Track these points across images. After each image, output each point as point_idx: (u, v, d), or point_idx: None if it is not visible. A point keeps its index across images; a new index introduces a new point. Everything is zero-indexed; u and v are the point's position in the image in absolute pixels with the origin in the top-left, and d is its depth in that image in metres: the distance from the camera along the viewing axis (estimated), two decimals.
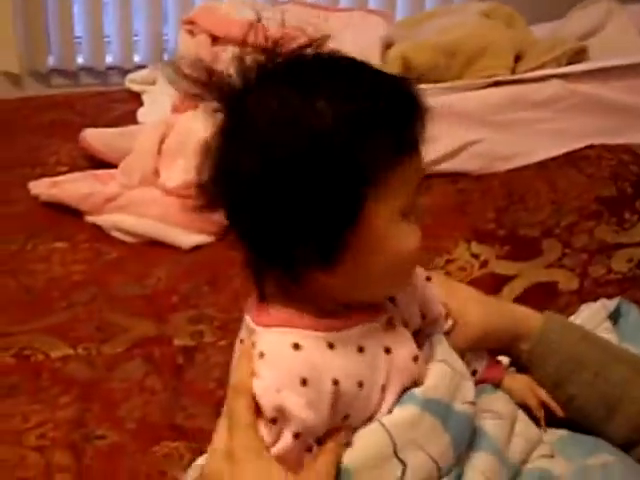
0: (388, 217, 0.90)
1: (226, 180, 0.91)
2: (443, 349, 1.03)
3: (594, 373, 1.14)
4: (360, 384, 0.94)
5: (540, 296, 1.68)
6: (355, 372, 0.94)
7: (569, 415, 1.16)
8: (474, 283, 1.68)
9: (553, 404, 1.14)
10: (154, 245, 2.00)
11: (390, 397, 0.97)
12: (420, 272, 1.08)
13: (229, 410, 0.93)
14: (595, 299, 1.43)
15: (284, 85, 0.90)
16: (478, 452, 1.01)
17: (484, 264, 1.74)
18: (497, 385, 1.14)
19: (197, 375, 1.53)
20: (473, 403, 1.01)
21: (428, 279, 1.09)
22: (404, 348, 0.98)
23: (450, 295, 1.14)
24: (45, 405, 1.45)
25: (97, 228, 2.06)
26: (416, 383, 0.98)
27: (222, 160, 0.91)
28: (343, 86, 0.90)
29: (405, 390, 0.98)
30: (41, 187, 2.15)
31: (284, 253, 0.90)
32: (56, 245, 1.99)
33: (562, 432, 1.15)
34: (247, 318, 0.98)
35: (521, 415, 1.12)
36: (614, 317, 1.37)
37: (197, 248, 1.97)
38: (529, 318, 1.19)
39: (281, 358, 0.91)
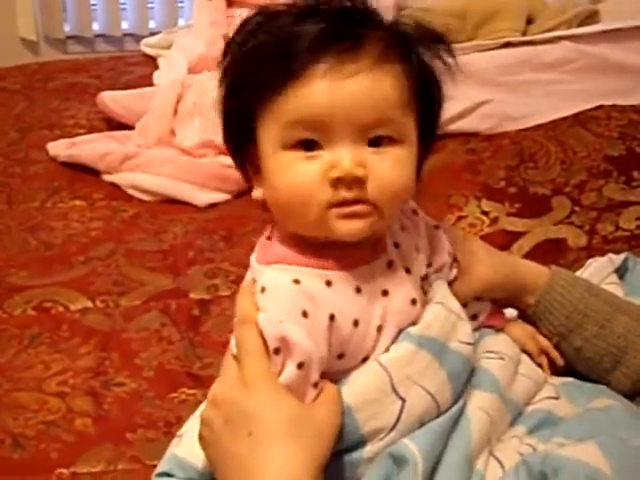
0: (269, 146, 0.94)
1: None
2: (441, 292, 1.04)
3: (599, 325, 1.16)
4: (355, 323, 0.96)
5: (549, 252, 1.69)
6: (351, 311, 0.95)
7: (575, 366, 1.18)
8: (484, 239, 1.64)
9: (554, 352, 1.17)
10: (170, 203, 2.04)
11: (386, 338, 0.98)
12: (428, 220, 1.10)
13: (237, 342, 0.95)
14: (603, 256, 1.44)
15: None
16: (479, 390, 1.03)
17: (494, 221, 1.76)
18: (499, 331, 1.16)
19: (212, 327, 1.57)
20: (470, 343, 1.02)
21: (436, 227, 1.11)
22: (402, 291, 1.00)
23: (460, 245, 1.15)
24: (65, 354, 1.48)
25: (114, 187, 2.10)
26: (414, 325, 1.00)
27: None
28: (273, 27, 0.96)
29: (401, 331, 0.99)
30: (59, 148, 2.19)
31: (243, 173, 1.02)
32: (74, 203, 2.03)
33: (567, 379, 1.17)
34: (252, 258, 1.01)
35: (525, 358, 1.14)
36: (621, 271, 1.39)
37: (213, 206, 2.01)
38: (536, 272, 1.20)
39: (282, 291, 0.94)
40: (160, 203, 2.04)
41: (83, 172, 2.14)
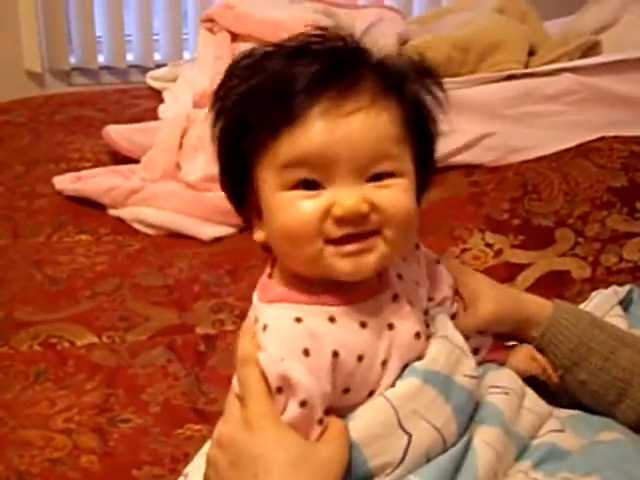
0: (268, 187, 0.95)
1: None
2: (444, 326, 1.05)
3: (604, 358, 1.16)
4: (360, 358, 0.96)
5: (553, 284, 1.70)
6: (355, 346, 0.96)
7: (580, 399, 1.18)
8: (488, 272, 1.69)
9: (550, 370, 1.16)
10: (175, 237, 2.04)
11: (391, 373, 0.99)
12: (429, 254, 1.11)
13: (240, 382, 0.95)
14: (607, 287, 1.45)
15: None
16: (485, 426, 1.03)
17: (498, 253, 1.77)
18: (502, 364, 1.16)
19: (218, 362, 1.57)
20: (474, 377, 1.03)
21: (437, 262, 1.12)
22: (407, 325, 1.00)
23: (464, 279, 1.17)
24: (71, 391, 1.48)
25: (119, 221, 2.10)
26: (418, 359, 1.01)
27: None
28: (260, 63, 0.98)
29: (407, 366, 1.00)
30: (65, 182, 2.19)
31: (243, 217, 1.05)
32: (80, 237, 2.04)
33: (573, 411, 1.17)
34: (254, 296, 1.02)
35: (529, 391, 1.13)
36: (625, 303, 1.39)
37: (217, 240, 2.01)
38: (539, 305, 1.21)
39: (283, 330, 0.94)
40: (165, 237, 2.04)
41: (89, 206, 2.14)
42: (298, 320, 0.94)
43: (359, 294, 0.98)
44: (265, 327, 0.95)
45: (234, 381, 0.98)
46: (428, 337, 1.03)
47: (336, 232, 0.93)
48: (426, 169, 1.04)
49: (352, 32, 0.99)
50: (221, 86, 1.00)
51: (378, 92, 0.95)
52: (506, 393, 1.09)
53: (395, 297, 1.01)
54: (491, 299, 1.16)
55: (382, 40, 1.99)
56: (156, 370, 1.54)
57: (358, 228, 0.93)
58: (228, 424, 0.96)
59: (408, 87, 0.99)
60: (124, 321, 1.69)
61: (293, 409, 0.92)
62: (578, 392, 1.19)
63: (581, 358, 1.17)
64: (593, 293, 1.43)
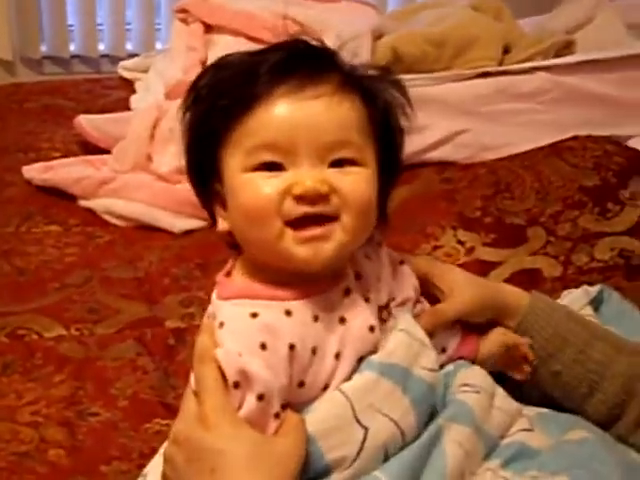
0: (232, 169, 0.97)
1: None
2: (405, 320, 1.06)
3: (578, 350, 1.17)
4: (314, 350, 0.97)
5: (524, 283, 1.69)
6: (309, 339, 0.97)
7: (552, 392, 1.19)
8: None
9: (524, 347, 1.17)
10: (146, 229, 2.03)
11: (345, 365, 0.99)
12: (393, 254, 1.12)
13: (197, 379, 0.96)
14: (578, 286, 1.44)
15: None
16: (456, 424, 1.03)
17: (470, 251, 1.77)
18: (473, 359, 1.16)
19: (188, 356, 1.54)
20: (434, 370, 1.03)
21: (401, 263, 1.12)
22: (359, 318, 1.01)
23: (439, 272, 1.18)
24: (39, 383, 1.47)
25: (90, 212, 2.09)
26: (374, 353, 1.01)
27: None
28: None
29: (362, 359, 1.01)
30: (34, 171, 2.17)
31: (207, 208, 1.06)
32: (49, 228, 2.02)
33: (542, 409, 1.18)
34: (212, 295, 1.03)
35: (499, 390, 1.14)
36: (595, 303, 1.39)
37: (188, 233, 2.00)
38: (516, 295, 1.22)
39: (240, 325, 0.95)
40: (135, 229, 2.03)
41: (58, 196, 2.12)
42: (254, 315, 0.95)
43: (313, 288, 0.99)
44: (222, 324, 0.96)
45: (191, 378, 0.98)
46: (384, 332, 1.04)
47: (295, 210, 0.94)
48: (390, 167, 1.05)
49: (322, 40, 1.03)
50: (194, 83, 1.02)
51: (342, 83, 0.98)
52: (477, 392, 1.09)
53: (347, 291, 1.02)
54: (467, 289, 1.17)
55: (356, 35, 1.99)
56: (125, 363, 1.53)
57: (316, 208, 0.94)
58: (184, 421, 0.96)
59: (372, 85, 1.02)
60: (93, 313, 1.67)
61: (250, 403, 0.92)
62: (550, 385, 1.19)
63: (556, 349, 1.18)
64: (564, 292, 1.44)
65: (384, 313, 1.06)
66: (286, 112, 0.95)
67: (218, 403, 0.92)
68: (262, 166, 0.95)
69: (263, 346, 0.93)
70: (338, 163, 0.96)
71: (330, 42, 1.03)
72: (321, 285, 1.00)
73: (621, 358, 1.17)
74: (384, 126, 1.03)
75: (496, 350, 1.17)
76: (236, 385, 0.92)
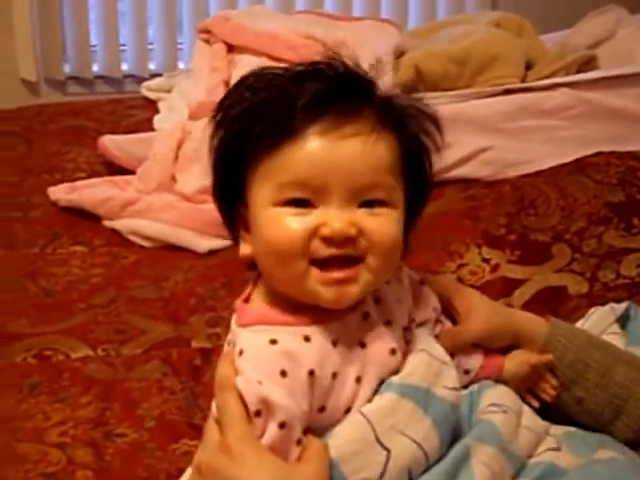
0: (259, 203, 0.96)
1: None
2: (424, 339, 1.06)
3: (600, 375, 1.17)
4: (334, 375, 0.97)
5: (550, 300, 1.70)
6: (329, 364, 0.97)
7: (577, 418, 1.19)
8: (485, 287, 1.70)
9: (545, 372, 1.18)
10: (171, 249, 2.03)
11: (366, 389, 1.00)
12: (413, 275, 1.13)
13: (218, 407, 0.96)
14: (604, 303, 1.45)
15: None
16: (483, 445, 1.03)
17: (495, 268, 1.76)
18: (498, 378, 1.17)
19: (214, 376, 1.55)
20: (455, 389, 1.03)
21: (421, 283, 1.13)
22: (379, 342, 1.01)
23: (458, 294, 1.19)
24: (66, 404, 1.47)
25: (115, 233, 2.09)
26: (396, 374, 1.02)
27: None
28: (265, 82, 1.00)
29: (383, 382, 1.01)
30: (60, 192, 2.19)
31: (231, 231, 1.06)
32: (75, 249, 2.03)
33: (569, 428, 1.17)
34: (232, 322, 1.03)
35: (526, 408, 1.14)
36: (622, 320, 1.39)
37: (213, 252, 2.00)
38: (534, 323, 1.22)
39: (260, 353, 0.95)
40: (160, 249, 2.04)
41: (84, 217, 2.14)
42: (273, 342, 0.95)
43: (332, 314, 0.99)
44: (241, 352, 0.96)
45: (212, 406, 0.99)
46: (407, 353, 1.04)
47: (322, 251, 0.94)
48: (417, 205, 1.06)
49: (358, 63, 1.01)
50: (225, 99, 1.02)
51: (378, 121, 0.97)
52: (504, 411, 1.09)
53: (365, 315, 1.02)
54: (483, 314, 1.18)
55: (379, 53, 2.00)
56: (151, 384, 1.52)
57: (343, 250, 0.94)
58: (207, 450, 0.97)
59: (408, 123, 1.02)
60: (119, 334, 1.67)
61: (272, 431, 0.92)
62: (575, 411, 1.19)
63: (578, 375, 1.18)
64: (590, 310, 1.43)
65: (407, 334, 1.06)
66: (321, 152, 0.94)
67: (240, 432, 0.92)
68: (291, 201, 0.95)
69: (283, 373, 0.93)
70: (368, 203, 0.96)
71: (362, 61, 1.02)
72: (339, 311, 1.00)
73: None
74: (416, 163, 1.03)
75: (520, 370, 1.17)
76: (258, 413, 0.92)
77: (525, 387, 1.18)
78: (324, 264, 0.95)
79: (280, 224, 0.94)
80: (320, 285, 0.95)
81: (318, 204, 0.95)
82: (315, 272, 0.95)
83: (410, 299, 1.09)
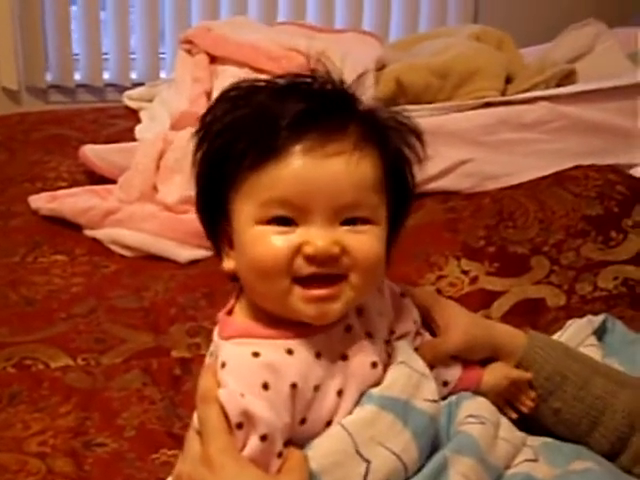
0: (242, 221, 0.97)
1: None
2: (403, 352, 1.06)
3: (578, 387, 1.17)
4: (316, 388, 0.98)
5: (528, 312, 1.71)
6: (312, 377, 0.97)
7: (554, 429, 1.19)
8: (464, 299, 1.71)
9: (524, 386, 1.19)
10: (152, 259, 2.03)
11: (348, 402, 1.00)
12: (394, 287, 1.13)
13: (200, 419, 0.96)
14: (582, 315, 1.46)
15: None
16: (461, 456, 1.03)
17: (474, 280, 1.77)
18: (476, 390, 1.17)
19: (194, 386, 1.52)
20: (435, 401, 1.04)
21: (402, 295, 1.13)
22: (361, 355, 1.02)
23: (437, 306, 1.20)
24: (45, 413, 1.47)
25: (96, 242, 2.09)
26: (376, 387, 1.02)
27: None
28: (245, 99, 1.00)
29: (363, 394, 1.01)
30: (41, 201, 2.18)
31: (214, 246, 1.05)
32: (56, 258, 2.02)
33: (546, 439, 1.18)
34: (214, 334, 1.03)
35: (504, 420, 1.15)
36: (599, 333, 1.40)
37: (194, 262, 2.00)
38: (512, 335, 1.23)
39: (242, 366, 0.95)
40: (141, 259, 2.04)
41: (65, 226, 2.13)
42: (256, 355, 0.95)
43: (314, 327, 0.99)
44: (224, 364, 0.96)
45: (194, 418, 0.99)
46: (387, 366, 1.05)
47: (304, 269, 0.94)
48: (399, 218, 1.06)
49: (341, 76, 1.01)
50: (207, 113, 1.02)
51: (362, 139, 0.97)
52: (482, 423, 1.10)
53: (348, 328, 1.02)
54: (462, 326, 1.18)
55: (360, 65, 2.01)
56: (131, 394, 1.52)
57: (326, 268, 0.94)
58: (187, 462, 0.97)
59: (391, 138, 1.01)
60: (100, 343, 1.67)
61: (254, 443, 0.92)
62: (552, 422, 1.20)
63: (556, 387, 1.18)
64: (568, 322, 1.44)
65: (388, 347, 1.07)
66: (305, 171, 0.94)
67: (221, 444, 0.92)
68: (274, 220, 0.95)
69: (265, 386, 0.93)
70: (351, 221, 0.96)
71: (344, 74, 1.03)
72: (322, 325, 1.00)
73: (621, 393, 1.17)
74: (398, 176, 1.03)
75: (499, 383, 1.18)
76: (239, 426, 0.92)
77: (503, 399, 1.18)
78: (306, 281, 0.95)
79: (264, 242, 0.95)
80: (302, 302, 0.95)
81: (301, 222, 0.95)
82: (297, 290, 0.95)
83: (391, 311, 1.10)
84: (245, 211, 0.96)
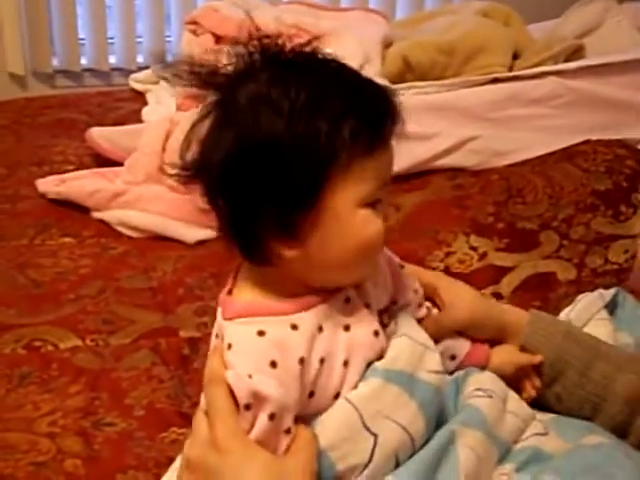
0: (348, 204, 0.95)
1: (206, 156, 0.97)
2: (405, 324, 1.07)
3: (579, 373, 1.18)
4: (322, 360, 0.97)
5: (538, 286, 1.71)
6: (317, 350, 0.97)
7: (558, 411, 1.20)
8: (473, 275, 1.71)
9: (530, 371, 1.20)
10: (159, 240, 2.03)
11: (353, 372, 1.00)
12: (393, 259, 1.13)
13: (207, 402, 0.95)
14: (593, 289, 1.46)
15: (269, 76, 0.96)
16: (468, 429, 1.04)
17: (483, 256, 1.77)
18: (484, 368, 1.18)
19: (202, 365, 1.54)
20: (439, 372, 1.04)
21: (401, 267, 1.14)
22: (363, 324, 1.02)
23: (443, 283, 1.21)
24: (55, 394, 1.47)
25: (103, 224, 2.09)
26: (380, 358, 1.02)
27: (207, 138, 0.97)
28: (320, 80, 0.96)
29: (369, 365, 1.01)
30: (48, 185, 2.18)
31: (253, 228, 0.95)
32: (64, 240, 2.02)
33: (556, 415, 1.19)
34: (217, 315, 1.02)
35: (512, 394, 1.15)
36: (611, 306, 1.40)
37: (201, 243, 2.00)
38: (516, 315, 1.24)
39: (248, 346, 0.95)
40: (149, 240, 2.04)
41: (72, 209, 2.13)
42: (261, 333, 0.95)
43: (315, 299, 1.00)
44: (230, 345, 0.95)
45: (201, 400, 0.98)
46: (386, 336, 1.05)
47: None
48: None
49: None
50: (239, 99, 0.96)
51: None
52: (490, 396, 1.10)
53: (347, 300, 1.03)
54: (467, 303, 1.20)
55: (366, 43, 2.00)
56: (140, 373, 1.53)
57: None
58: (196, 445, 0.96)
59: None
60: (108, 324, 1.67)
61: (262, 423, 0.92)
62: (555, 406, 1.20)
63: (558, 373, 1.19)
64: (579, 296, 1.44)
65: (384, 317, 1.07)
66: (391, 151, 0.98)
67: (230, 427, 0.92)
68: (374, 202, 0.97)
69: (273, 364, 0.93)
70: None
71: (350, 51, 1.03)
72: (322, 295, 1.00)
73: (622, 377, 1.17)
74: None
75: (504, 367, 1.18)
76: (247, 407, 0.92)
77: (507, 381, 1.18)
78: None
79: (374, 223, 0.97)
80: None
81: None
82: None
83: (389, 282, 1.10)
84: (352, 195, 0.95)
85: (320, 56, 1.00)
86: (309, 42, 1.01)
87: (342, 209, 0.95)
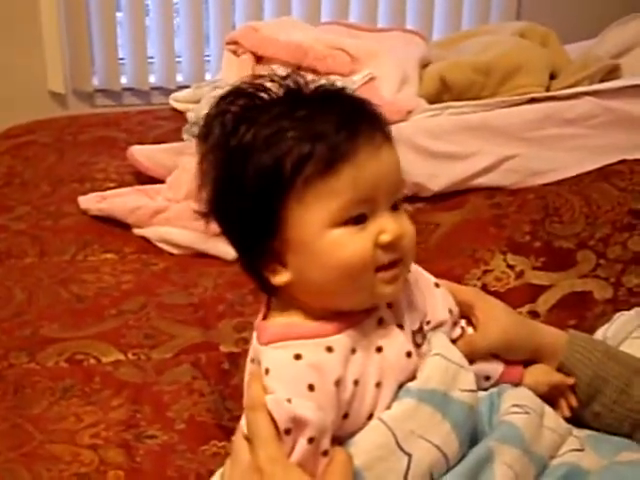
0: (313, 227, 0.97)
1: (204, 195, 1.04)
2: (439, 343, 1.08)
3: (619, 391, 1.18)
4: (356, 382, 0.99)
5: (575, 305, 1.71)
6: (351, 372, 0.99)
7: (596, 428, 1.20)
8: (510, 293, 1.71)
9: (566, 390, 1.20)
10: (199, 257, 2.05)
11: (386, 393, 1.01)
12: (427, 278, 1.14)
13: (249, 427, 0.97)
14: (629, 308, 1.46)
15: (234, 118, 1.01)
16: (505, 445, 1.04)
17: (520, 275, 1.78)
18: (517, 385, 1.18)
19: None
20: (473, 391, 1.05)
21: (436, 285, 1.15)
22: (395, 346, 1.03)
23: (480, 303, 1.21)
24: (97, 407, 1.49)
25: (144, 240, 2.12)
26: (413, 378, 1.03)
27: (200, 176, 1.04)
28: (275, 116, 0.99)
29: (402, 386, 1.02)
30: (90, 202, 2.21)
31: (246, 258, 1.05)
32: (105, 256, 2.05)
33: (592, 431, 1.19)
34: (254, 338, 1.05)
35: (549, 409, 1.15)
36: None
37: None
38: (554, 336, 1.24)
39: (286, 370, 0.97)
40: (189, 257, 2.06)
41: (113, 225, 2.16)
42: (298, 357, 0.97)
43: (348, 321, 1.01)
44: (267, 370, 0.97)
45: (242, 421, 1.00)
46: (419, 356, 1.06)
47: (386, 258, 0.98)
48: None
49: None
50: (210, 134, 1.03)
51: (383, 126, 1.02)
52: (527, 412, 1.10)
53: (380, 321, 1.04)
54: (502, 324, 1.20)
55: (404, 63, 2.00)
56: (181, 387, 1.54)
57: (398, 253, 0.99)
58: (237, 469, 0.98)
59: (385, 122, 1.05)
60: (149, 339, 1.70)
61: (302, 447, 0.94)
62: (593, 423, 1.21)
63: (597, 391, 1.19)
64: (616, 315, 1.44)
65: (418, 337, 1.08)
66: (372, 166, 0.97)
67: (271, 452, 0.94)
68: (350, 220, 0.97)
69: (311, 387, 0.95)
70: (395, 205, 1.01)
71: (389, 72, 1.05)
72: (355, 317, 1.02)
73: None
74: None
75: (539, 388, 1.19)
76: (287, 432, 0.94)
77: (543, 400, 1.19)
78: (386, 267, 0.99)
79: (348, 243, 0.97)
80: (386, 285, 0.99)
81: (370, 215, 0.98)
82: (381, 276, 0.99)
83: (423, 302, 1.11)
84: (315, 218, 0.97)
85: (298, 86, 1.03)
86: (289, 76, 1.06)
87: (307, 233, 0.97)
